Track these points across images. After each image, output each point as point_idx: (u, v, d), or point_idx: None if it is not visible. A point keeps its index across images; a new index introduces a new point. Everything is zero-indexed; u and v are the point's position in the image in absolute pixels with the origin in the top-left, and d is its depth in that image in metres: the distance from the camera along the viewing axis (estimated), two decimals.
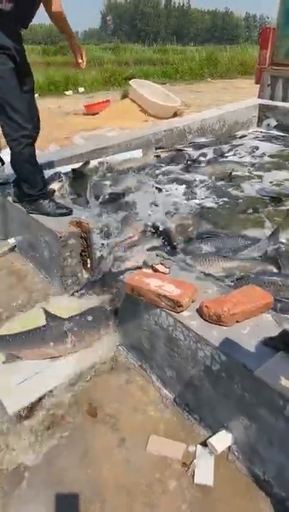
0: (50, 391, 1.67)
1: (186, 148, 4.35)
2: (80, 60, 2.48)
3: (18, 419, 1.57)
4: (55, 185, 2.90)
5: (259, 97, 5.67)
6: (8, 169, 2.64)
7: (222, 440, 1.37)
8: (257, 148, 4.44)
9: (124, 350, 1.87)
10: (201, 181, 3.38)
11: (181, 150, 4.29)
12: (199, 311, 1.45)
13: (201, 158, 4.05)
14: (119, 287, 1.77)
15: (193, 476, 1.36)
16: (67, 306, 2.11)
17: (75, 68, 2.58)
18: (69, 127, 6.51)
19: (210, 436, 1.42)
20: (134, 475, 1.37)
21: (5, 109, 2.13)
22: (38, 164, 2.36)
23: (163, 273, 1.70)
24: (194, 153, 4.19)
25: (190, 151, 4.28)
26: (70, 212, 2.36)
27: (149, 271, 1.69)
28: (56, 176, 3.09)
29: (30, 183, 2.36)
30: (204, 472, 1.35)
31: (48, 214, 2.34)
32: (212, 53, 14.13)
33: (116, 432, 1.52)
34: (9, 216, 2.69)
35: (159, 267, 1.74)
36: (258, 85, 5.76)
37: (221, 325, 1.39)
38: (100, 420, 1.58)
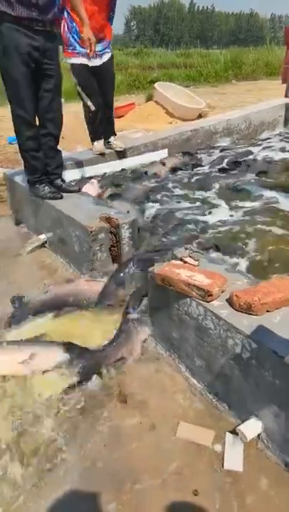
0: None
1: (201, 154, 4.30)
2: (88, 50, 2.72)
3: (52, 404, 1.64)
4: (88, 187, 3.02)
5: (286, 96, 5.63)
6: None
7: (252, 428, 1.39)
8: None
9: (153, 340, 1.91)
10: None
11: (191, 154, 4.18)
12: (229, 301, 1.47)
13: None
14: (149, 278, 1.81)
15: (222, 461, 1.38)
16: None
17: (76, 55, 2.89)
18: None
19: (239, 424, 1.44)
20: (164, 458, 1.41)
21: (12, 106, 2.41)
22: (38, 156, 2.61)
23: (192, 265, 1.73)
24: (208, 159, 4.15)
25: (205, 156, 4.23)
26: (60, 197, 2.68)
27: (179, 263, 1.72)
28: (88, 179, 3.25)
29: (28, 169, 2.69)
30: (234, 458, 1.37)
31: (41, 197, 2.70)
32: (237, 55, 14.07)
33: (146, 418, 1.56)
34: (41, 213, 2.79)
35: (188, 260, 1.77)
36: (285, 85, 5.72)
37: (251, 314, 1.41)
38: (130, 407, 1.62)
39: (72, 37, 3.05)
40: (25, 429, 1.52)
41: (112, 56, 3.31)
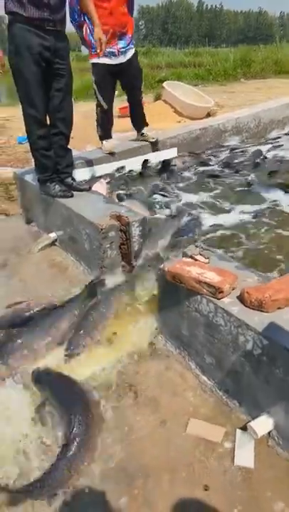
0: (92, 374, 1.75)
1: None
2: (98, 50, 2.73)
3: None
4: (97, 186, 3.04)
5: None
6: None
7: (262, 424, 1.39)
8: None
9: (163, 338, 1.92)
10: None
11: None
12: (240, 298, 1.48)
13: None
14: (159, 275, 1.82)
15: (233, 458, 1.39)
16: None
17: (97, 56, 2.90)
18: None
19: (249, 421, 1.44)
20: (175, 454, 1.42)
21: (23, 105, 2.43)
22: (48, 154, 2.63)
23: (203, 263, 1.74)
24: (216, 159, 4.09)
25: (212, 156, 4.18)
26: (71, 195, 2.69)
27: (190, 260, 1.73)
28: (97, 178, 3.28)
29: (39, 168, 2.70)
30: (244, 455, 1.37)
31: (52, 195, 2.71)
32: (246, 54, 13.97)
33: (157, 414, 1.57)
34: (51, 211, 2.81)
35: (199, 257, 1.77)
36: None
37: (262, 311, 1.41)
38: (140, 403, 1.63)
39: (94, 39, 3.09)
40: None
41: (135, 51, 3.36)
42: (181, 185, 3.51)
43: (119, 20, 3.10)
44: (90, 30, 3.10)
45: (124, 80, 3.39)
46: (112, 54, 3.16)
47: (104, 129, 3.55)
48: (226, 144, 4.58)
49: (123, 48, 3.21)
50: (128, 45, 3.25)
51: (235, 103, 8.73)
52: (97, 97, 3.35)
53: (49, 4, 2.24)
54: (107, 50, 3.07)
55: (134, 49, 3.32)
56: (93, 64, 3.23)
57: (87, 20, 3.08)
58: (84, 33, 3.16)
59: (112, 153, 3.58)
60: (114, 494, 1.32)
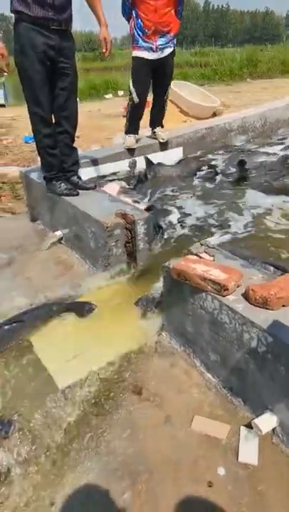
0: (97, 370, 1.76)
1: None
2: (104, 50, 2.73)
3: (67, 395, 1.67)
4: (109, 187, 3.05)
5: None
6: None
7: (267, 421, 1.39)
8: None
9: (168, 335, 1.92)
10: None
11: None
12: (245, 295, 1.48)
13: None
14: (165, 273, 1.83)
15: (237, 455, 1.39)
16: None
17: (102, 56, 2.89)
18: (109, 129, 6.69)
19: (254, 419, 1.44)
20: (179, 450, 1.42)
21: (29, 104, 2.46)
22: (54, 153, 2.66)
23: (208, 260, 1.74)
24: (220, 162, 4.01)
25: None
26: (76, 194, 2.71)
27: (195, 258, 1.73)
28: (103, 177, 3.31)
29: (45, 166, 2.73)
30: (249, 451, 1.38)
31: (58, 194, 2.73)
32: (252, 54, 13.94)
33: (161, 410, 1.58)
34: (57, 209, 2.83)
35: (204, 255, 1.78)
36: None
37: (267, 308, 1.41)
38: (145, 399, 1.64)
39: (137, 32, 3.23)
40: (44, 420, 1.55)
41: (173, 51, 3.42)
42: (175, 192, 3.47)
43: (161, 18, 3.18)
44: (134, 24, 3.23)
45: (156, 76, 3.46)
46: (150, 49, 3.26)
47: (130, 123, 3.62)
48: (232, 143, 4.57)
49: (161, 44, 3.28)
50: (167, 43, 3.32)
51: (241, 103, 8.73)
52: (130, 90, 3.45)
53: (53, 4, 2.26)
54: (146, 44, 3.22)
55: (172, 48, 3.39)
56: (133, 57, 3.34)
57: (133, 14, 3.20)
58: (130, 27, 3.28)
59: (130, 150, 3.63)
60: (118, 490, 1.32)
